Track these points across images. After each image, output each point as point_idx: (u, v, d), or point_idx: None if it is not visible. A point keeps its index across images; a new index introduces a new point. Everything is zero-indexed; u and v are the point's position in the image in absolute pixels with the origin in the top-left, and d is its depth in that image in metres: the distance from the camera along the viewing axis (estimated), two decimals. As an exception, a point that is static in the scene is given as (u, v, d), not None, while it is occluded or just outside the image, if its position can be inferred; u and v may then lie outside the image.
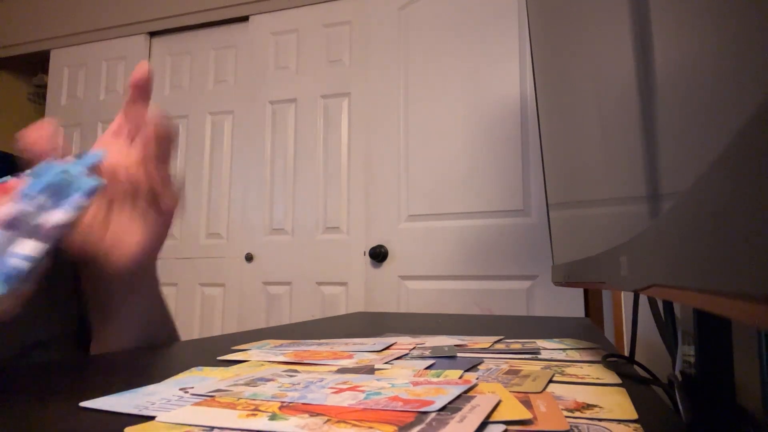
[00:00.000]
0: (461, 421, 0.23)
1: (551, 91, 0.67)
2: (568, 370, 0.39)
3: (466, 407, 0.25)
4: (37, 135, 0.36)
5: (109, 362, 0.44)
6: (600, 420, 0.26)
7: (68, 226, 0.34)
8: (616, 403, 0.29)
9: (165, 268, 2.40)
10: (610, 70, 0.32)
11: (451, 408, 0.25)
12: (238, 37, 2.42)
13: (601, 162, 0.36)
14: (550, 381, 0.35)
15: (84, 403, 0.28)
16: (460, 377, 0.34)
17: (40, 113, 2.87)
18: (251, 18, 2.36)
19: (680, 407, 0.31)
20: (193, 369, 0.38)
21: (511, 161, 1.82)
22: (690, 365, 0.35)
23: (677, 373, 0.38)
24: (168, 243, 2.68)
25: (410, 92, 1.98)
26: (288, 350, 0.48)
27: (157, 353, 0.50)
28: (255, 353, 0.47)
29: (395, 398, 0.27)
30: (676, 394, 0.33)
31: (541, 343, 0.54)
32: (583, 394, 0.31)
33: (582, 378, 0.36)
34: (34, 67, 2.96)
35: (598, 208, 0.40)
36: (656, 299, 0.46)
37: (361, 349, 0.48)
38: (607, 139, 0.34)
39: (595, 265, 0.36)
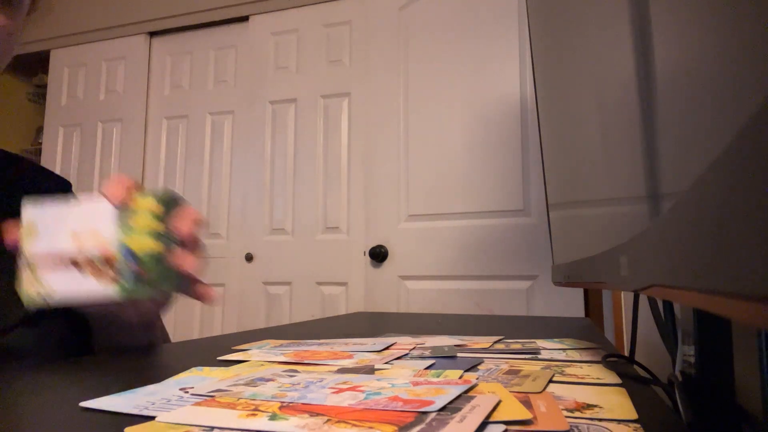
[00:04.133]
0: (461, 421, 0.23)
1: (551, 91, 0.67)
2: (568, 370, 0.39)
3: (466, 407, 0.25)
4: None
5: (109, 362, 0.44)
6: (600, 420, 0.26)
7: None
8: (616, 403, 0.29)
9: (165, 268, 2.39)
10: (610, 70, 0.32)
11: (451, 408, 0.25)
12: (238, 37, 2.42)
13: (601, 162, 0.36)
14: (550, 381, 0.35)
15: (84, 403, 0.28)
16: (460, 377, 0.34)
17: (40, 113, 2.87)
18: (251, 18, 2.36)
19: (680, 407, 0.31)
20: (193, 369, 0.38)
21: (511, 161, 1.82)
22: (690, 365, 0.35)
23: (677, 373, 0.38)
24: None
25: (410, 92, 1.98)
26: (288, 350, 0.48)
27: (157, 353, 0.50)
28: (255, 353, 0.47)
29: (395, 398, 0.27)
30: (676, 394, 0.33)
31: (541, 343, 0.54)
32: (583, 394, 0.31)
33: (582, 378, 0.36)
34: (34, 67, 2.95)
35: (598, 208, 0.40)
36: (656, 299, 0.46)
37: (361, 349, 0.48)
38: (607, 139, 0.34)
39: (595, 265, 0.36)
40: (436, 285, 1.88)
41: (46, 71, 2.79)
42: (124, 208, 0.43)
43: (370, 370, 0.37)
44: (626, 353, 0.56)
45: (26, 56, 2.84)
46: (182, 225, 0.44)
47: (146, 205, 0.43)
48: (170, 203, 0.44)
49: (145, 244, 0.43)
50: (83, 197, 0.44)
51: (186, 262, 0.43)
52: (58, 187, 0.64)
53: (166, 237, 0.43)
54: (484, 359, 0.43)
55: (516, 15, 1.88)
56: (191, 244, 0.44)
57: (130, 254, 0.43)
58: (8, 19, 0.48)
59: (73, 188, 0.67)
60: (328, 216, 2.13)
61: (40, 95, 3.00)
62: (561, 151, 0.62)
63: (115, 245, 0.42)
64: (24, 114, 3.04)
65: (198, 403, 0.27)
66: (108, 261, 0.43)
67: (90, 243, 0.43)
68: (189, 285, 0.45)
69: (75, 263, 0.43)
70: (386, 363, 0.41)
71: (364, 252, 1.97)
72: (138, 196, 0.44)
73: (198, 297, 0.46)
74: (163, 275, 0.43)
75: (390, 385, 0.31)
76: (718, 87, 0.14)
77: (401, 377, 0.34)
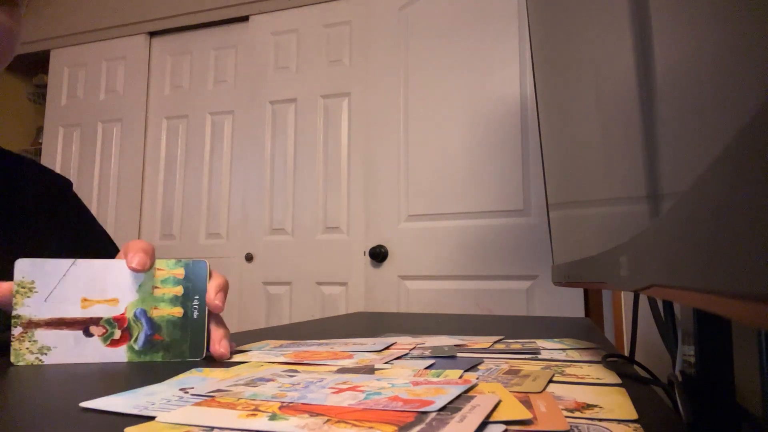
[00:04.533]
0: (461, 421, 0.23)
1: (551, 91, 0.67)
2: (568, 370, 0.39)
3: (466, 407, 0.25)
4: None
5: (109, 362, 0.44)
6: (600, 420, 0.26)
7: None
8: (616, 403, 0.29)
9: (165, 268, 2.39)
10: (610, 70, 0.32)
11: (451, 408, 0.25)
12: (238, 37, 2.42)
13: (601, 162, 0.36)
14: (550, 381, 0.35)
15: (84, 403, 0.28)
16: (460, 377, 0.34)
17: (40, 113, 2.87)
18: (251, 18, 2.36)
19: (680, 407, 0.31)
20: (193, 369, 0.38)
21: (511, 161, 1.82)
22: (690, 365, 0.35)
23: (677, 373, 0.38)
24: (168, 243, 2.68)
25: (410, 92, 1.97)
26: (288, 350, 0.48)
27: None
28: (255, 353, 0.47)
29: (395, 398, 0.27)
30: (676, 394, 0.32)
31: (541, 343, 0.54)
32: (583, 394, 0.31)
33: (582, 378, 0.36)
34: (34, 67, 2.95)
35: (598, 208, 0.40)
36: (656, 299, 0.46)
37: (361, 349, 0.48)
38: (607, 139, 0.34)
39: (595, 265, 0.36)
40: (436, 285, 1.88)
41: (46, 71, 2.79)
42: (143, 272, 0.43)
43: (370, 370, 0.37)
44: (626, 353, 0.56)
45: (26, 56, 2.84)
46: (208, 293, 0.44)
47: (168, 271, 0.44)
48: (196, 270, 0.44)
49: (163, 309, 0.43)
50: (101, 260, 0.44)
51: (211, 331, 0.44)
52: (57, 185, 0.64)
53: (188, 303, 0.44)
54: (484, 359, 0.43)
55: (516, 15, 1.88)
56: (215, 311, 0.45)
57: (145, 318, 0.43)
58: (9, 18, 0.48)
59: (74, 188, 0.67)
60: (328, 216, 2.13)
61: (40, 95, 3.00)
62: (561, 151, 0.62)
63: (129, 308, 0.43)
64: (24, 114, 3.04)
65: (198, 403, 0.27)
66: (119, 323, 0.43)
67: (99, 304, 0.42)
68: (207, 347, 0.45)
69: (78, 323, 0.42)
70: (386, 363, 0.41)
71: (364, 252, 1.97)
72: (161, 262, 0.44)
73: (215, 356, 0.45)
74: (180, 340, 0.44)
75: (390, 385, 0.31)
76: (718, 87, 0.14)
77: (401, 377, 0.34)
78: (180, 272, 0.44)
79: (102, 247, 0.66)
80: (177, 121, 2.49)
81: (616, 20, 0.27)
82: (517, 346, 0.51)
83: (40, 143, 2.79)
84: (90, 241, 0.65)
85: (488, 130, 1.86)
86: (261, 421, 0.24)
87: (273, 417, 0.25)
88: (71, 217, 0.64)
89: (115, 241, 0.69)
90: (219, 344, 0.44)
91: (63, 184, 0.65)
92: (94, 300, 0.42)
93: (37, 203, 0.59)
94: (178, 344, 0.44)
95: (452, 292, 1.85)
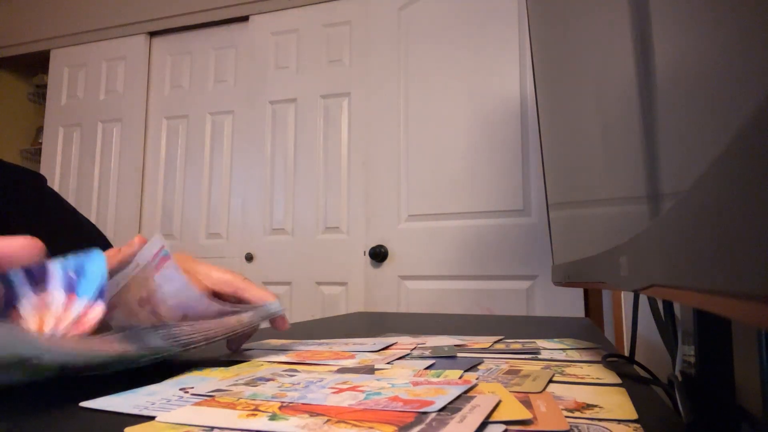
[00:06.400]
0: (461, 421, 0.23)
1: (551, 91, 0.67)
2: (568, 370, 0.39)
3: (466, 407, 0.25)
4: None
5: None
6: (600, 420, 0.26)
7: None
8: (616, 403, 0.29)
9: (165, 268, 2.39)
10: (610, 70, 0.32)
11: (451, 408, 0.25)
12: (238, 37, 2.42)
13: (601, 162, 0.36)
14: (550, 381, 0.35)
15: (84, 403, 0.28)
16: (460, 377, 0.34)
17: (40, 113, 2.87)
18: (251, 18, 2.36)
19: (680, 407, 0.31)
20: (193, 369, 0.38)
21: (511, 161, 1.82)
22: (690, 365, 0.35)
23: (677, 373, 0.38)
24: (168, 243, 2.69)
25: (410, 92, 1.97)
26: (288, 350, 0.48)
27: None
28: (255, 353, 0.47)
29: (395, 398, 0.27)
30: (676, 394, 0.32)
31: (541, 343, 0.54)
32: (583, 394, 0.31)
33: (582, 378, 0.36)
34: (34, 67, 2.95)
35: (598, 208, 0.40)
36: (656, 299, 0.46)
37: (361, 349, 0.48)
38: (607, 139, 0.34)
39: (595, 265, 0.36)
40: (436, 285, 1.88)
41: (46, 71, 2.79)
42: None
43: (370, 370, 0.37)
44: (626, 353, 0.56)
45: (26, 56, 2.84)
46: (279, 319, 0.48)
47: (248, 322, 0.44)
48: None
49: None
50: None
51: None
52: (30, 182, 0.63)
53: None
54: (484, 359, 0.43)
55: (516, 15, 1.88)
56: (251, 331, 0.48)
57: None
58: None
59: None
60: (328, 216, 2.13)
61: (40, 95, 3.00)
62: (561, 151, 0.62)
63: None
64: (24, 114, 3.04)
65: (198, 403, 0.27)
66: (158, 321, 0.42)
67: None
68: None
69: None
70: (386, 363, 0.41)
71: (364, 252, 1.97)
72: (243, 316, 0.44)
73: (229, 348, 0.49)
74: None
75: (390, 385, 0.31)
76: (718, 87, 0.14)
77: (401, 377, 0.34)
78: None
79: (90, 240, 0.65)
80: (177, 121, 2.49)
81: (616, 20, 0.27)
82: (517, 346, 0.51)
83: (40, 143, 2.79)
84: (77, 235, 0.64)
85: (488, 130, 1.86)
86: (261, 421, 0.24)
87: (273, 417, 0.25)
88: (51, 213, 0.63)
89: (116, 242, 0.69)
90: (236, 343, 0.48)
91: (36, 181, 0.64)
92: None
93: (10, 202, 0.58)
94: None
95: (452, 292, 1.85)
